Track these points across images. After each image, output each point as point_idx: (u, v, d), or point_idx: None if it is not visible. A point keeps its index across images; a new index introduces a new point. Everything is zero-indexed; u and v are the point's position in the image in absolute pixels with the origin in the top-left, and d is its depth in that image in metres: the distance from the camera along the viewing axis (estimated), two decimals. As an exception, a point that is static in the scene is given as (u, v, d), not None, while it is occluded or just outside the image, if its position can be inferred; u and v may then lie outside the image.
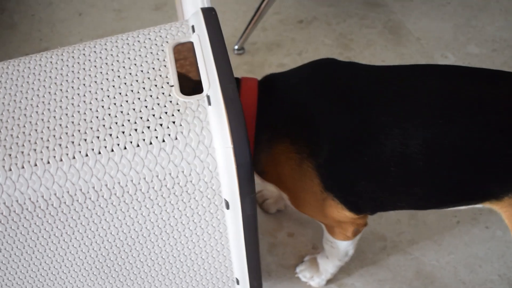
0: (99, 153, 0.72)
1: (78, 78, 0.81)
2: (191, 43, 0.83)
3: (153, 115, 0.75)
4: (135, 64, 0.81)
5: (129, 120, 0.74)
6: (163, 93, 0.77)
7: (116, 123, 0.74)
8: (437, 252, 1.18)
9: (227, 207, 0.78)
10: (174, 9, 1.80)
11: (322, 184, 0.87)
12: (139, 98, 0.77)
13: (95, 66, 0.82)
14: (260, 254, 1.14)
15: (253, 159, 0.90)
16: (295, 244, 1.20)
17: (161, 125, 0.74)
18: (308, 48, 1.65)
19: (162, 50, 0.82)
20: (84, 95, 0.78)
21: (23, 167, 0.72)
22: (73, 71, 0.82)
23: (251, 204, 0.77)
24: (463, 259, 1.17)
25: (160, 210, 0.78)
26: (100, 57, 0.83)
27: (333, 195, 0.88)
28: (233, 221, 0.80)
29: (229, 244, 0.85)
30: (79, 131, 0.74)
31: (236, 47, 1.63)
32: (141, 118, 0.74)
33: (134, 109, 0.75)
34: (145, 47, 0.84)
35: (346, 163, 0.86)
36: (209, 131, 0.73)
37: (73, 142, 0.73)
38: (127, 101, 0.77)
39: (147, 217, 0.78)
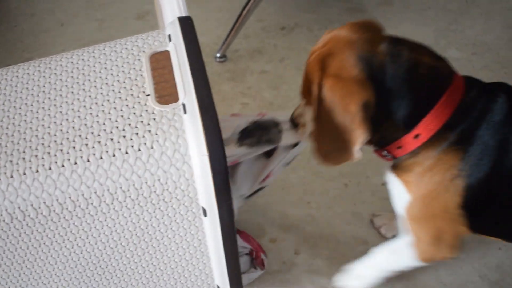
0: (75, 163, 0.72)
1: (55, 89, 0.81)
2: (169, 52, 0.83)
3: (129, 125, 0.75)
4: (112, 74, 0.82)
5: (105, 130, 0.75)
6: (139, 102, 0.77)
7: (92, 133, 0.75)
8: (419, 255, 1.19)
9: (205, 214, 0.78)
10: (156, 18, 1.81)
11: (462, 202, 0.86)
12: (115, 108, 0.77)
13: (72, 77, 0.82)
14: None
15: (412, 150, 0.86)
16: (277, 250, 1.20)
17: (137, 134, 0.74)
18: (290, 55, 1.66)
19: (139, 60, 0.83)
20: (61, 106, 0.78)
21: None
22: (49, 82, 0.82)
23: (229, 210, 0.78)
24: (444, 261, 1.18)
25: (138, 219, 0.78)
26: (77, 68, 0.84)
27: (464, 213, 0.88)
28: (212, 228, 0.80)
29: (209, 251, 0.85)
30: (55, 141, 0.74)
31: (218, 54, 1.63)
32: (117, 127, 0.75)
33: (110, 119, 0.76)
34: (122, 56, 0.84)
35: (495, 189, 0.86)
36: (185, 139, 0.73)
37: (49, 153, 0.73)
38: (103, 111, 0.77)
39: (125, 226, 0.79)
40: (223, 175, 0.73)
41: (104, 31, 1.79)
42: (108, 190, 0.73)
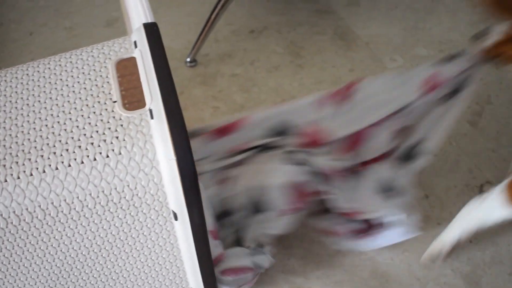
0: (44, 171, 0.72)
1: (22, 98, 0.81)
2: (135, 58, 0.84)
3: (97, 131, 0.75)
4: (78, 82, 0.82)
5: (72, 138, 0.75)
6: (106, 109, 0.78)
7: (60, 141, 0.75)
8: (391, 250, 1.21)
9: (176, 218, 0.79)
10: (125, 25, 1.81)
11: None
12: (82, 115, 0.77)
13: (38, 86, 0.82)
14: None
15: None
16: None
17: (104, 140, 0.75)
18: (260, 57, 1.67)
19: (105, 67, 0.83)
20: (28, 115, 0.78)
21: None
22: (16, 92, 0.82)
23: (199, 213, 0.78)
24: (417, 256, 1.19)
25: (109, 225, 0.78)
26: (44, 76, 0.84)
27: None
28: (183, 232, 0.81)
29: (181, 255, 0.86)
30: (23, 151, 0.74)
31: (188, 59, 1.64)
32: (85, 135, 0.75)
33: (77, 126, 0.76)
34: (88, 64, 0.84)
35: None
36: (153, 144, 0.74)
37: (17, 162, 0.73)
38: (70, 119, 0.77)
39: (97, 233, 0.79)
40: (191, 178, 0.74)
41: (73, 39, 1.79)
42: (78, 197, 0.74)
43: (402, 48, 1.69)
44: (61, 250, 0.80)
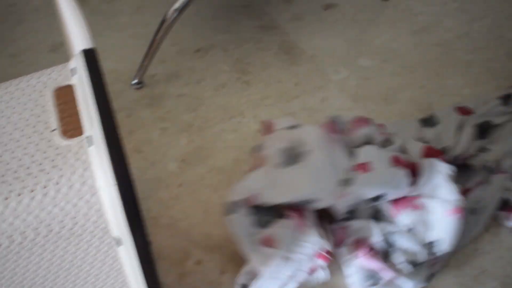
0: (-19, 205, 0.72)
1: (-43, 132, 0.80)
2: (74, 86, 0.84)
3: (35, 162, 0.75)
4: (16, 112, 0.81)
5: (10, 169, 0.74)
6: (44, 139, 0.77)
7: (-2, 173, 0.74)
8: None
9: (119, 244, 0.78)
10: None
11: None
12: (20, 146, 0.77)
13: (-24, 118, 0.81)
14: (170, 286, 1.15)
15: None
16: (204, 272, 1.21)
17: (43, 170, 0.74)
18: (206, 76, 1.68)
19: (43, 95, 0.83)
20: (-36, 149, 0.78)
21: None
22: (-49, 125, 0.81)
23: (142, 237, 0.78)
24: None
25: (52, 256, 0.77)
26: (-20, 108, 0.83)
27: None
28: (128, 257, 0.80)
29: (128, 280, 0.86)
30: (-41, 186, 0.73)
31: (135, 81, 1.64)
32: (22, 166, 0.75)
33: (14, 158, 0.76)
34: (25, 94, 0.84)
35: None
36: (92, 171, 0.74)
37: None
38: (7, 151, 0.77)
39: (39, 264, 0.78)
40: (133, 203, 0.74)
41: (18, 65, 1.77)
42: (17, 230, 0.73)
43: (346, 60, 1.72)
44: (2, 286, 0.79)
